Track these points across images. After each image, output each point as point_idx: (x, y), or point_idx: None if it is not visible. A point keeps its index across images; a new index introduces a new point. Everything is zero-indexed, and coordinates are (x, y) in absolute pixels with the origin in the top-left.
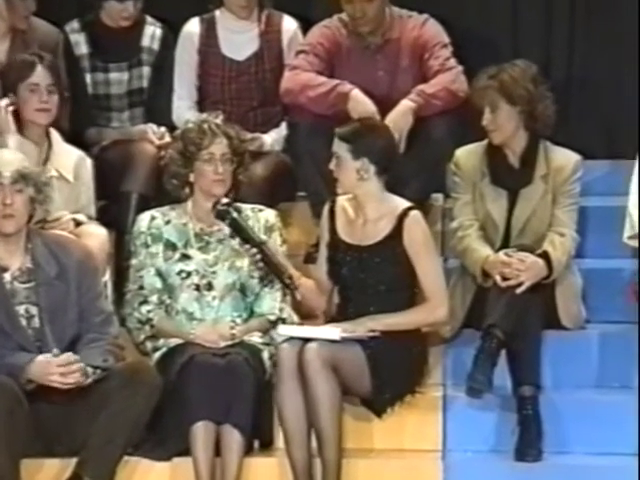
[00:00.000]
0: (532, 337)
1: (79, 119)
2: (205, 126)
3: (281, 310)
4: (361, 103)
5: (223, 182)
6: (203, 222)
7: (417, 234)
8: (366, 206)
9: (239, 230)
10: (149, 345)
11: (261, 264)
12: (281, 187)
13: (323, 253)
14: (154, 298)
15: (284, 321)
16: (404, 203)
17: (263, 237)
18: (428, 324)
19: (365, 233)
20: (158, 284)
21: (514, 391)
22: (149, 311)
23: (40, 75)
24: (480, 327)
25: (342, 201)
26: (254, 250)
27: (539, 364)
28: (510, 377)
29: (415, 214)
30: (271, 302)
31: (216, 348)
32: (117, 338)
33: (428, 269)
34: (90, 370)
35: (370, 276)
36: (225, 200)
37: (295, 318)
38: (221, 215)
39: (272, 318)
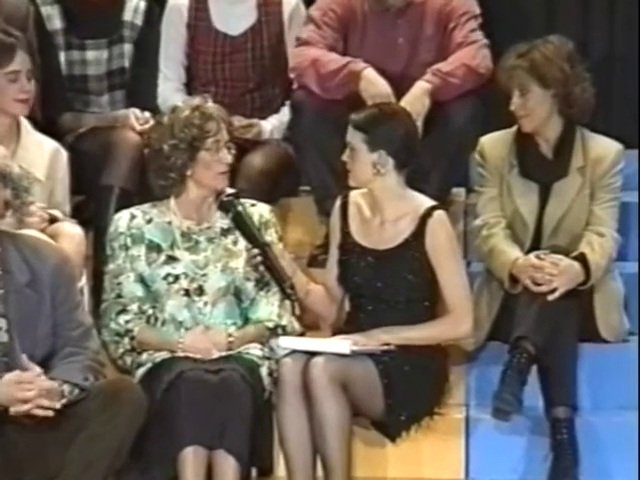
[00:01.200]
0: (567, 351)
1: (52, 104)
2: (210, 110)
3: (280, 316)
4: (374, 83)
5: (227, 174)
6: (191, 219)
7: (441, 237)
8: (384, 204)
9: (243, 226)
10: (129, 360)
11: (261, 268)
12: (282, 180)
13: (333, 255)
14: (134, 307)
15: (284, 329)
16: (427, 201)
17: (268, 238)
18: (450, 340)
19: (382, 235)
20: (139, 292)
21: (547, 413)
22: (128, 321)
23: (20, 60)
24: (508, 339)
25: (356, 197)
26: (255, 251)
27: (575, 382)
28: (542, 397)
29: (440, 214)
30: (268, 307)
31: (209, 361)
32: (97, 354)
33: (452, 277)
34: (67, 389)
35: (387, 284)
36: (230, 190)
37: (296, 326)
38: (225, 207)
39: (270, 325)
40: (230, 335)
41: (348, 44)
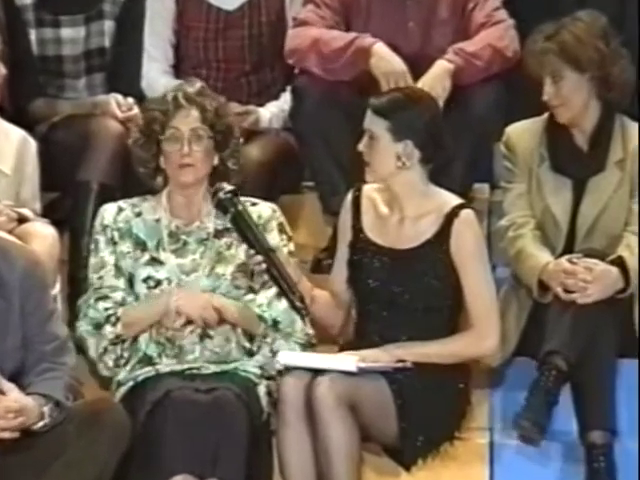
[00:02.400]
0: (604, 367)
1: (22, 89)
2: (170, 96)
3: (260, 306)
4: (387, 59)
5: (192, 167)
6: (180, 218)
7: (468, 239)
8: (404, 201)
9: (244, 228)
10: (110, 359)
11: (265, 276)
12: (282, 175)
13: (343, 255)
14: (116, 295)
15: (276, 323)
16: (453, 199)
17: (272, 241)
18: (472, 357)
19: (401, 233)
20: (122, 286)
21: (581, 437)
22: (108, 308)
23: None
24: (537, 354)
25: (370, 191)
26: (259, 258)
27: (613, 403)
28: (576, 419)
29: (468, 214)
30: (258, 299)
31: (199, 379)
32: (74, 370)
33: (478, 285)
34: (48, 410)
35: (405, 288)
36: (229, 187)
37: (300, 326)
38: (223, 206)
39: (262, 313)
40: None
41: (351, 29)
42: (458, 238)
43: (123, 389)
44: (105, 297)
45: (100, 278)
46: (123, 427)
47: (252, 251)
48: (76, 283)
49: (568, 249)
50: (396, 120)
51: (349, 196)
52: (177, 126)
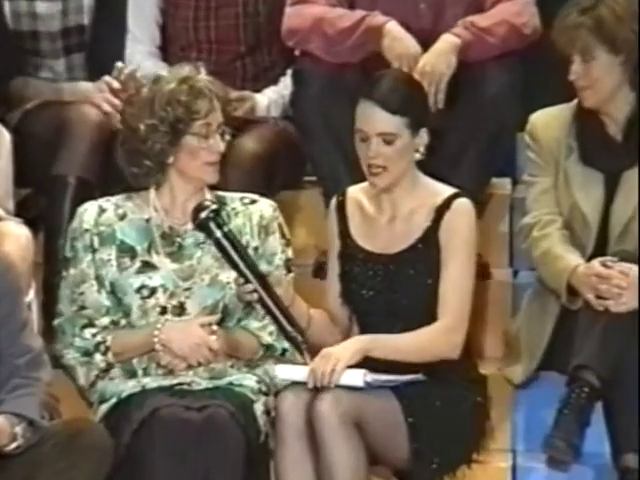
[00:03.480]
0: (638, 384)
1: None
2: (201, 84)
3: (271, 334)
4: (400, 40)
5: (217, 164)
6: (174, 217)
7: (456, 230)
8: (395, 195)
9: (231, 253)
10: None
11: (257, 306)
12: (281, 169)
13: (334, 268)
14: (103, 320)
15: (284, 352)
16: (446, 190)
17: (265, 267)
18: (440, 354)
19: (392, 235)
20: (106, 301)
21: (614, 460)
22: (95, 334)
23: None
24: (565, 369)
25: (355, 192)
26: (250, 287)
27: None
28: (609, 440)
29: (460, 204)
30: (261, 320)
31: (189, 395)
32: (50, 386)
33: (454, 277)
34: (20, 430)
35: (403, 295)
36: (212, 205)
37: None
38: (207, 228)
39: (265, 340)
40: (213, 332)
41: (355, 9)
42: (448, 230)
43: (105, 406)
44: (90, 324)
45: (81, 294)
46: (105, 449)
47: (242, 279)
48: (52, 289)
49: (599, 251)
50: (414, 112)
51: (333, 202)
52: (210, 121)
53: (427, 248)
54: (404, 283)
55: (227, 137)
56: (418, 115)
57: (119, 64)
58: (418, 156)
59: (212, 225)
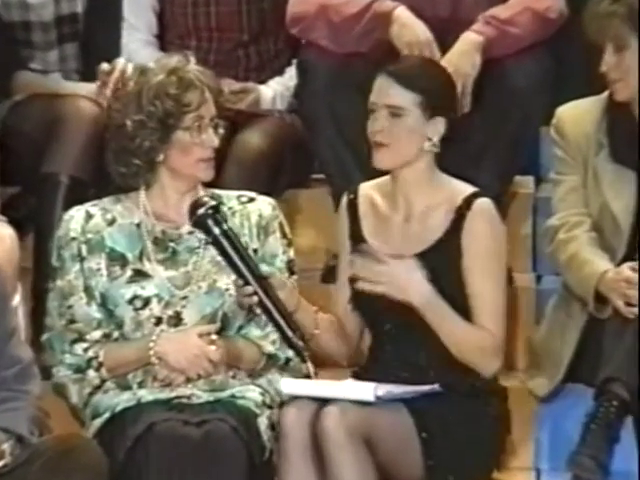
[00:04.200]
0: None
1: None
2: (192, 75)
3: (274, 342)
4: (410, 26)
5: (212, 160)
6: (167, 221)
7: (480, 232)
8: (412, 193)
9: (230, 253)
10: (93, 400)
11: (258, 310)
12: (287, 166)
13: (344, 272)
14: (95, 334)
15: (287, 362)
16: (466, 188)
17: (266, 269)
18: (477, 357)
19: (407, 236)
20: (97, 314)
21: None
22: (87, 349)
23: None
24: (593, 381)
25: (367, 189)
26: (250, 289)
27: None
28: (638, 458)
29: (482, 204)
30: (263, 328)
31: (188, 409)
32: (40, 399)
33: (486, 289)
34: (7, 447)
35: None
36: (210, 201)
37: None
38: (204, 225)
39: (267, 349)
40: (213, 342)
41: None
42: (470, 230)
43: (98, 421)
44: (80, 339)
45: (70, 307)
46: (98, 467)
47: (241, 281)
48: (41, 295)
49: (630, 255)
50: (429, 93)
51: (344, 201)
52: (202, 114)
53: (446, 251)
54: None
55: (221, 131)
56: (434, 98)
57: (104, 66)
58: (428, 146)
59: (210, 222)
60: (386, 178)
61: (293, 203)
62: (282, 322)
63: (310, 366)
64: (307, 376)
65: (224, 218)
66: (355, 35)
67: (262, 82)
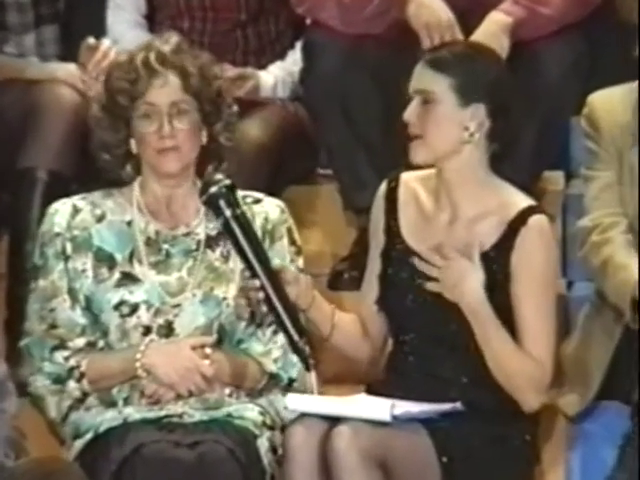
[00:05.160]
0: None
1: None
2: (139, 59)
3: (276, 361)
4: (428, 6)
5: (176, 151)
6: (161, 220)
7: (535, 252)
8: (458, 193)
9: (241, 239)
10: (74, 416)
11: (264, 307)
12: (290, 160)
13: (374, 268)
14: (78, 341)
15: (291, 382)
16: (521, 199)
17: (277, 261)
18: (520, 385)
19: (452, 240)
20: (81, 319)
21: None
22: (68, 357)
23: None
24: (629, 398)
25: (411, 180)
26: (257, 283)
27: None
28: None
29: (539, 220)
30: (265, 344)
31: (180, 429)
32: (15, 419)
33: (537, 317)
34: None
35: (450, 316)
36: (224, 180)
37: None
38: (216, 205)
39: (269, 368)
40: (207, 356)
41: None
42: (523, 252)
43: (80, 442)
44: (62, 346)
45: (52, 310)
46: None
47: (248, 273)
48: (17, 303)
49: None
50: (464, 76)
51: (382, 188)
52: (152, 100)
53: (491, 266)
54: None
55: (198, 117)
56: (471, 82)
57: (91, 40)
58: (466, 136)
59: (222, 203)
60: (431, 172)
61: (296, 201)
62: (288, 323)
63: (314, 376)
64: (309, 389)
65: (238, 201)
66: (368, 15)
67: (262, 67)
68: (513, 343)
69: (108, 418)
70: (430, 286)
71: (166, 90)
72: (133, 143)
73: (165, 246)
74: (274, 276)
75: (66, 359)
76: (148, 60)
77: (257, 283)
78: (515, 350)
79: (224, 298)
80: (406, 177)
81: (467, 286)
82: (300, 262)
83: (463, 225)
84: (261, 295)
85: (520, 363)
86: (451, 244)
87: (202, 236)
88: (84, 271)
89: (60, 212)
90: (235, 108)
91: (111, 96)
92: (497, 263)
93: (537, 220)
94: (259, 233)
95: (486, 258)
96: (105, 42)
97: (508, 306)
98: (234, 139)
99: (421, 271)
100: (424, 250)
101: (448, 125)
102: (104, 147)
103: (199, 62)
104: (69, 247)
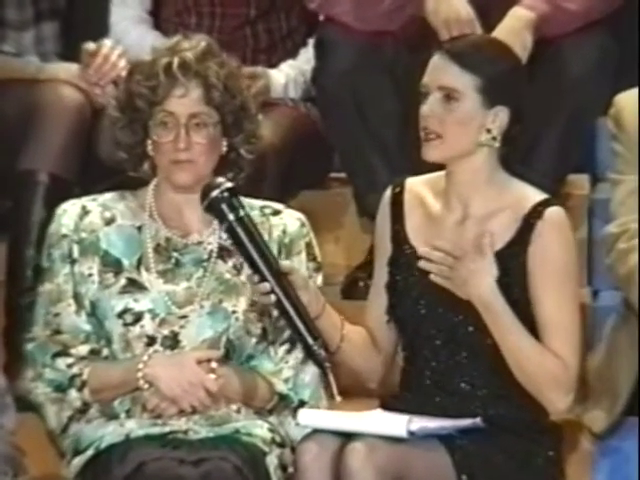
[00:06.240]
0: None
1: None
2: (161, 64)
3: (287, 381)
4: (447, 2)
5: (192, 164)
6: (173, 227)
7: (554, 245)
8: (467, 193)
9: (246, 243)
10: (74, 428)
11: (274, 312)
12: (302, 164)
13: (381, 277)
14: (82, 349)
15: (302, 404)
16: (534, 193)
17: (286, 262)
18: (551, 386)
19: (461, 241)
20: (86, 325)
21: None
22: (71, 365)
23: None
24: None
25: (416, 185)
26: (267, 286)
27: None
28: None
29: (554, 213)
30: (276, 362)
31: (186, 446)
32: (14, 435)
33: (561, 310)
34: None
35: (466, 319)
36: (226, 183)
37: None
38: (218, 209)
39: (279, 388)
40: (212, 370)
41: None
42: (540, 245)
43: (80, 459)
44: (65, 352)
45: (57, 315)
46: None
47: (256, 277)
48: (16, 312)
49: None
50: (491, 77)
51: (387, 194)
52: (171, 109)
53: (507, 264)
54: (471, 304)
55: (210, 129)
56: (497, 83)
57: (90, 45)
58: (487, 139)
59: (224, 207)
60: (439, 174)
61: (309, 206)
62: (302, 327)
63: (332, 382)
64: (328, 393)
65: (241, 204)
66: (383, 11)
67: (273, 65)
68: (532, 338)
69: (110, 433)
70: (440, 282)
71: (186, 100)
72: (150, 145)
73: (175, 254)
74: (284, 278)
75: (69, 366)
76: (170, 67)
77: (267, 286)
78: (534, 345)
79: (233, 311)
80: (411, 182)
81: (477, 280)
82: (319, 279)
83: (474, 223)
84: (272, 298)
85: (540, 358)
86: (461, 243)
87: (214, 246)
88: (90, 275)
89: (68, 213)
90: (260, 118)
91: (130, 98)
92: (514, 259)
93: (553, 212)
94: (275, 247)
95: (501, 255)
96: (106, 44)
97: (528, 304)
98: (255, 150)
99: (428, 275)
100: (431, 251)
101: (469, 126)
102: (120, 146)
103: (225, 72)
104: (76, 250)
